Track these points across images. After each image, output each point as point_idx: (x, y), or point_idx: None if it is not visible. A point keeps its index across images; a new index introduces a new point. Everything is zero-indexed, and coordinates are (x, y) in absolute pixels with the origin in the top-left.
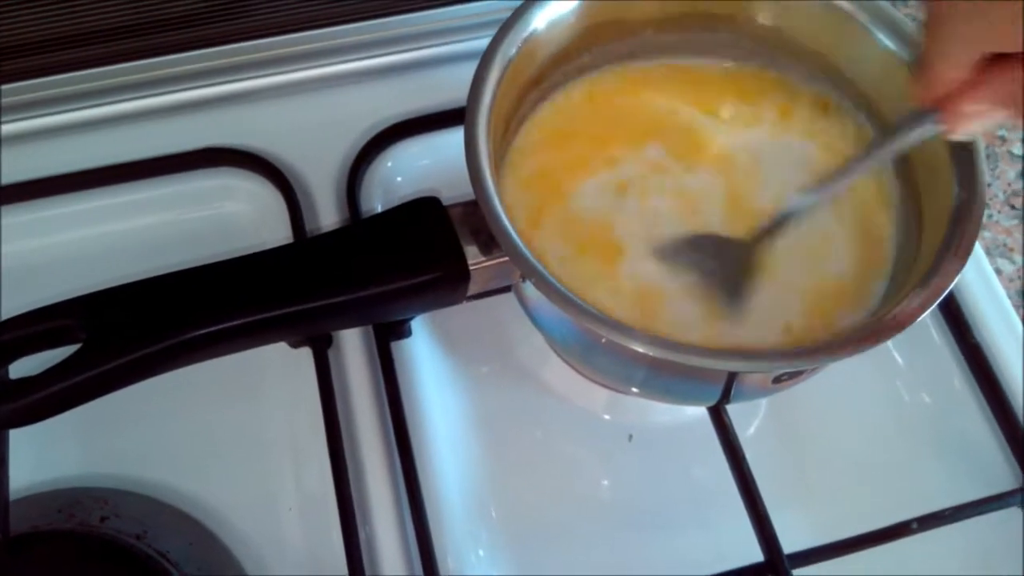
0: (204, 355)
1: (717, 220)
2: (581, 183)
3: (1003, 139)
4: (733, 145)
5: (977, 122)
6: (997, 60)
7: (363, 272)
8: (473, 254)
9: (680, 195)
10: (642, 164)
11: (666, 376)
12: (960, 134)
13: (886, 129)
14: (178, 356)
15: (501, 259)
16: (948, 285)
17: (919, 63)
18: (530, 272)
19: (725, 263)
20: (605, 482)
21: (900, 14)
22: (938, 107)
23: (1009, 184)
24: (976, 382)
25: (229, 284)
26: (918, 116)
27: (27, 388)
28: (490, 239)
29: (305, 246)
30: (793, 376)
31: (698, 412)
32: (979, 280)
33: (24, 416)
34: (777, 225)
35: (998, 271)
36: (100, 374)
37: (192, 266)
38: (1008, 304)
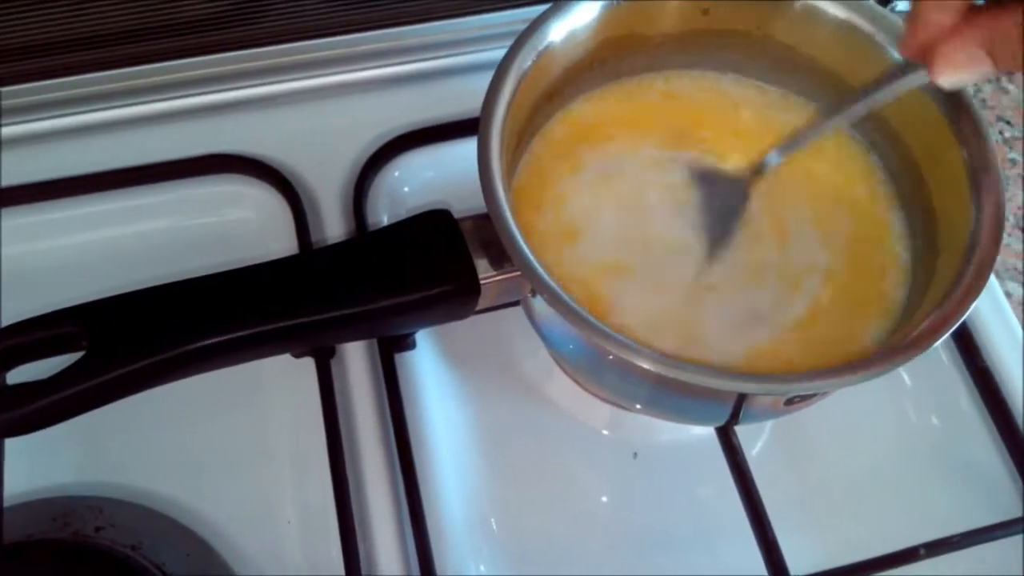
0: (207, 366)
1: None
2: (592, 196)
3: (1014, 162)
4: (749, 163)
5: (962, 71)
6: (983, 8)
7: (371, 285)
8: (483, 268)
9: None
10: (656, 178)
11: (675, 395)
12: (945, 82)
13: (875, 80)
14: (181, 367)
15: (512, 273)
16: (963, 312)
17: (909, 11)
18: (542, 288)
19: (717, 202)
20: (608, 500)
21: None
22: (925, 54)
23: (1020, 207)
24: (984, 405)
25: (234, 295)
26: (905, 65)
27: (26, 396)
28: (501, 253)
29: (313, 257)
30: (805, 399)
31: (703, 431)
32: (989, 304)
33: (22, 425)
34: (768, 165)
35: (1008, 295)
36: (102, 384)
37: (196, 275)
38: (1018, 328)
